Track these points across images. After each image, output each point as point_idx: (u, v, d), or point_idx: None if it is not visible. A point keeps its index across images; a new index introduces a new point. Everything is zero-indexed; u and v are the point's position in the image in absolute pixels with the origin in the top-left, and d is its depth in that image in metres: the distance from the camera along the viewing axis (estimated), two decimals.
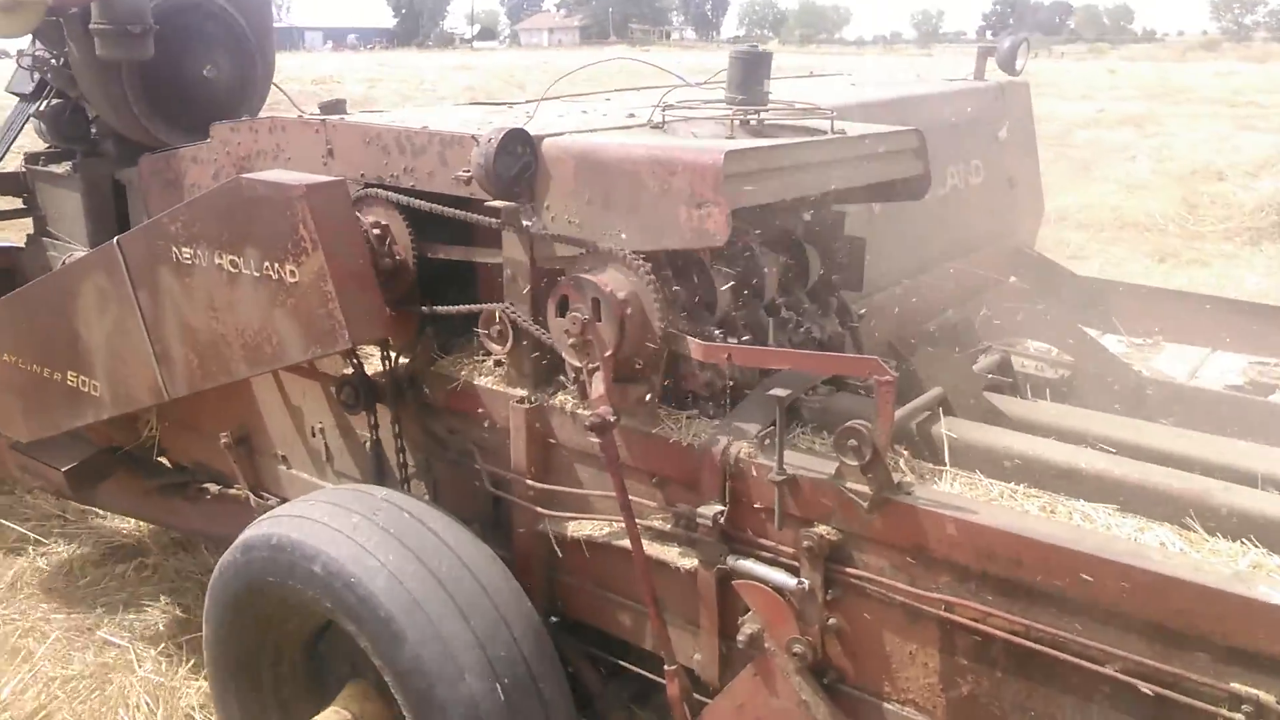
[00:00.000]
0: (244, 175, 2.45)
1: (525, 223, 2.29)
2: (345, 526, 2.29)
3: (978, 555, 1.86)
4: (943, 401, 2.21)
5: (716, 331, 2.29)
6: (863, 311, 2.84)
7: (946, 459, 2.07)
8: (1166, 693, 1.69)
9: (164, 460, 3.67)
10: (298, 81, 24.91)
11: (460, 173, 2.32)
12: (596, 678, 2.52)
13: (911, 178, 2.61)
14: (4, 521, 4.35)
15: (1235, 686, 1.64)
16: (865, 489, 1.94)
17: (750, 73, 2.45)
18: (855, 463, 1.92)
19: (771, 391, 1.99)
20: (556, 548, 2.44)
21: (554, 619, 2.52)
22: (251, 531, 2.41)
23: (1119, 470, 1.95)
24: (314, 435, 2.98)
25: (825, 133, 2.39)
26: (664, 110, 2.48)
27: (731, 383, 2.29)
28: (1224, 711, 1.64)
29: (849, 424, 1.92)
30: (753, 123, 2.43)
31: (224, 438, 3.15)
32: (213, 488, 3.34)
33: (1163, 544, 1.80)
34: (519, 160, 2.24)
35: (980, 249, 3.97)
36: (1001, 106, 4.18)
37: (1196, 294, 4.26)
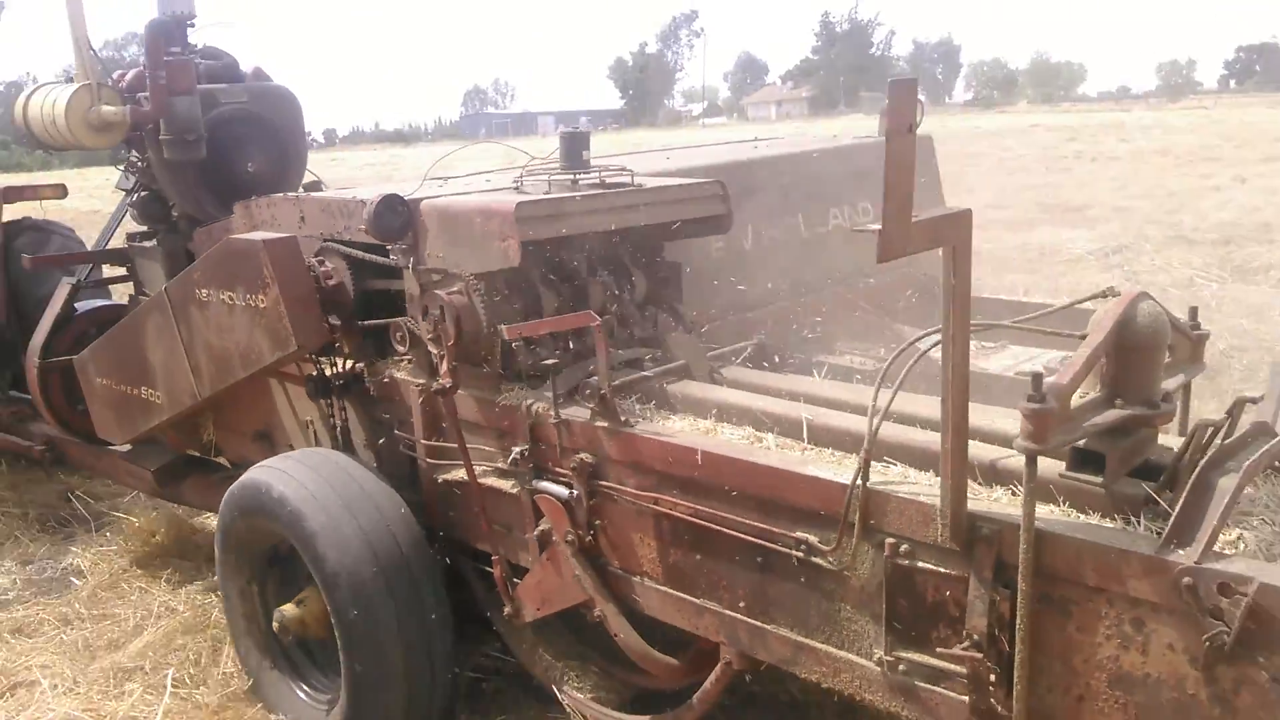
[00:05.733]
0: (232, 235, 3.57)
1: (411, 259, 3.32)
2: (303, 476, 3.33)
3: (669, 464, 2.76)
4: (684, 369, 3.13)
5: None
6: (705, 328, 3.75)
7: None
8: (767, 544, 2.55)
9: (222, 460, 4.82)
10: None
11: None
12: (476, 578, 3.48)
13: (715, 216, 3.54)
14: None
15: (803, 536, 2.49)
16: (606, 424, 2.87)
17: (574, 147, 3.44)
18: (591, 405, 2.86)
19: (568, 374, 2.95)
20: (444, 488, 3.43)
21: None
22: (243, 477, 3.48)
23: (772, 407, 2.83)
24: (307, 427, 4.06)
25: (628, 186, 3.35)
26: (523, 177, 3.48)
27: (550, 362, 3.24)
28: (794, 551, 2.50)
29: (584, 380, 2.87)
30: (579, 181, 3.40)
31: (251, 435, 4.27)
32: None
33: (773, 448, 2.67)
34: (400, 216, 3.28)
35: (873, 276, 4.80)
36: None
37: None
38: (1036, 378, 2.00)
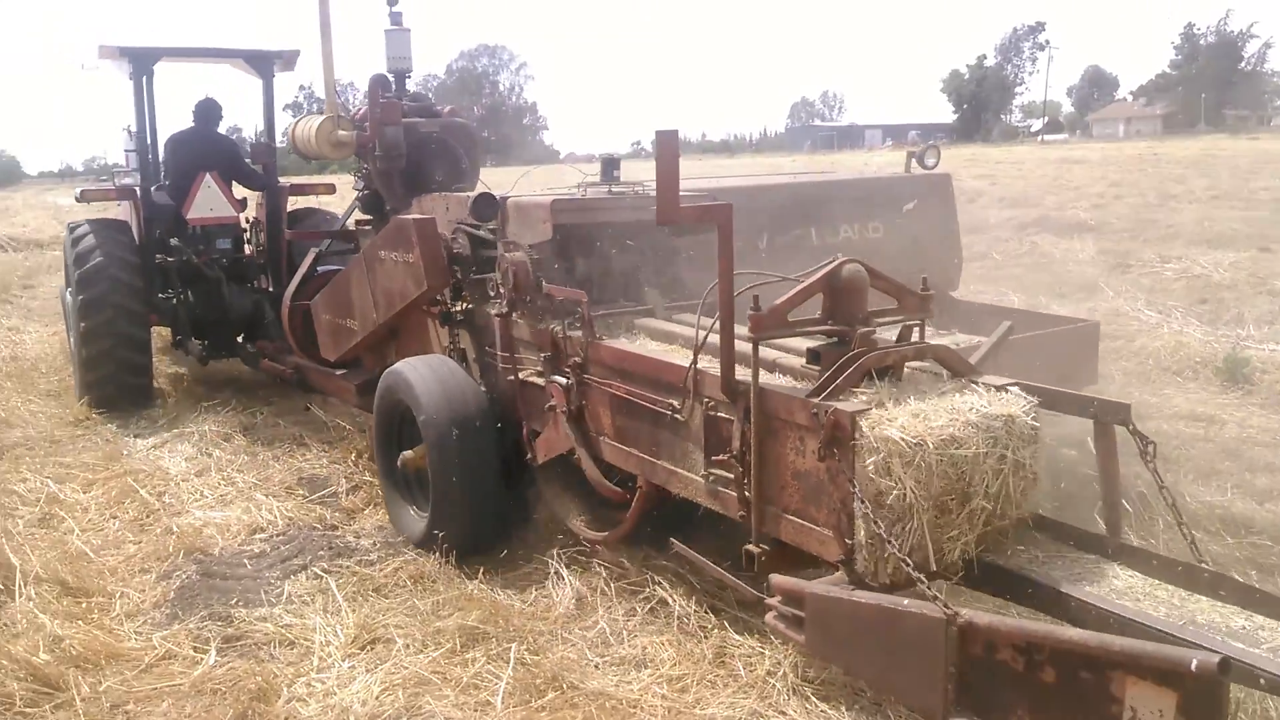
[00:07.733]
0: (398, 216, 5.59)
1: (501, 237, 5.19)
2: (419, 367, 5.26)
3: (619, 361, 4.47)
4: (649, 311, 4.84)
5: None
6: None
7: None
8: (657, 409, 4.22)
9: None
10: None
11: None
12: (528, 444, 5.27)
13: None
14: None
15: (672, 401, 4.14)
16: (585, 338, 4.62)
17: (609, 168, 5.22)
18: (579, 328, 4.62)
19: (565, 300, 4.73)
20: (509, 384, 5.26)
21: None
22: (390, 368, 5.46)
23: (679, 329, 4.48)
24: (443, 349, 6.00)
25: (633, 194, 5.10)
26: (580, 187, 5.30)
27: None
28: (668, 411, 4.15)
29: (566, 318, 4.65)
30: (611, 190, 5.17)
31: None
32: None
33: (666, 352, 4.33)
34: (494, 207, 5.16)
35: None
36: (910, 190, 6.46)
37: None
38: (755, 299, 3.59)
